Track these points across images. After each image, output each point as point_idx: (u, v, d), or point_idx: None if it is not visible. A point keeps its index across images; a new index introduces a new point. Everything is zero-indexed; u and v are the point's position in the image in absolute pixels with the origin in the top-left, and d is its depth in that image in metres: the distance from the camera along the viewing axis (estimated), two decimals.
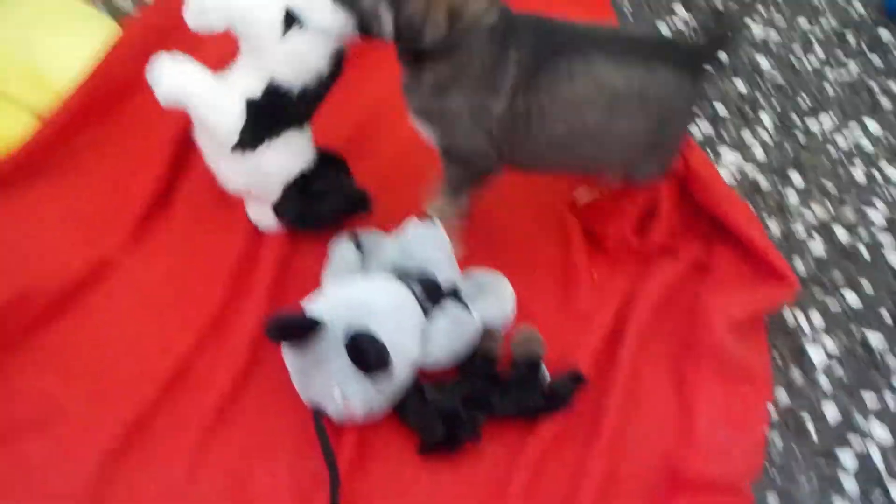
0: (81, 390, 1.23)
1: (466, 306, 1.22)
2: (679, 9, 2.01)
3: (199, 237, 1.43)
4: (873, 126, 1.80)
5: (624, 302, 1.39)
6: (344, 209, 1.40)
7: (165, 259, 1.40)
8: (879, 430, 1.33)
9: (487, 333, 1.25)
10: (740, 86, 1.86)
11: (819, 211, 1.62)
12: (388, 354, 1.09)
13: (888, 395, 1.37)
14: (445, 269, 1.25)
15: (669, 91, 1.29)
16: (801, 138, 1.77)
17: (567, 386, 1.23)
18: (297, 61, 1.25)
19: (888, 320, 1.46)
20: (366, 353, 1.07)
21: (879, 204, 1.65)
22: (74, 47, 1.56)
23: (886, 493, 1.26)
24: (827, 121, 1.80)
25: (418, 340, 1.17)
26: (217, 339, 1.29)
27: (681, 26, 1.97)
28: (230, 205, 1.44)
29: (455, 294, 1.24)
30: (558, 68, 1.23)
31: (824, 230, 1.59)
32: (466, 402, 1.18)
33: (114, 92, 1.55)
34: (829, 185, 1.67)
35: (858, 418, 1.34)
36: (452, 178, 1.35)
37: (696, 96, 1.40)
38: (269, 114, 1.27)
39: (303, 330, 1.09)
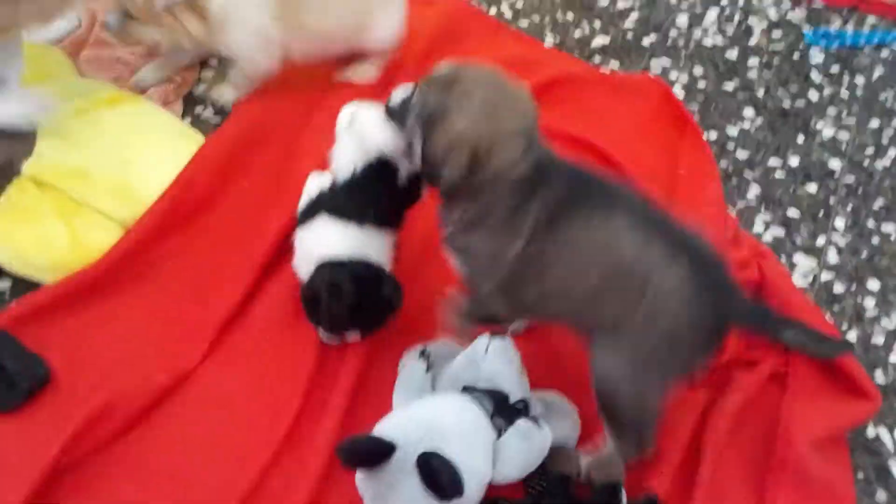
0: (160, 502, 1.26)
1: (537, 420, 1.22)
2: (749, 111, 2.03)
3: (277, 350, 1.47)
4: None
5: (702, 416, 1.37)
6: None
7: (244, 371, 1.44)
8: None
9: (565, 455, 1.24)
10: (812, 188, 1.85)
11: None
12: (461, 477, 1.08)
13: None
14: (515, 385, 1.26)
15: (673, 286, 1.16)
16: (877, 241, 1.75)
17: None
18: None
19: None
20: (438, 475, 1.06)
21: None
22: (164, 162, 1.64)
23: None
24: None
25: (490, 458, 1.17)
26: (293, 454, 1.31)
27: (747, 126, 1.99)
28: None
29: (525, 408, 1.24)
30: (577, 216, 1.20)
31: None
32: None
33: (196, 203, 1.62)
34: None
35: None
36: (466, 309, 1.36)
37: (699, 313, 1.16)
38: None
39: (375, 455, 1.09)
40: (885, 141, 1.97)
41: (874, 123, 2.02)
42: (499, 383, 1.24)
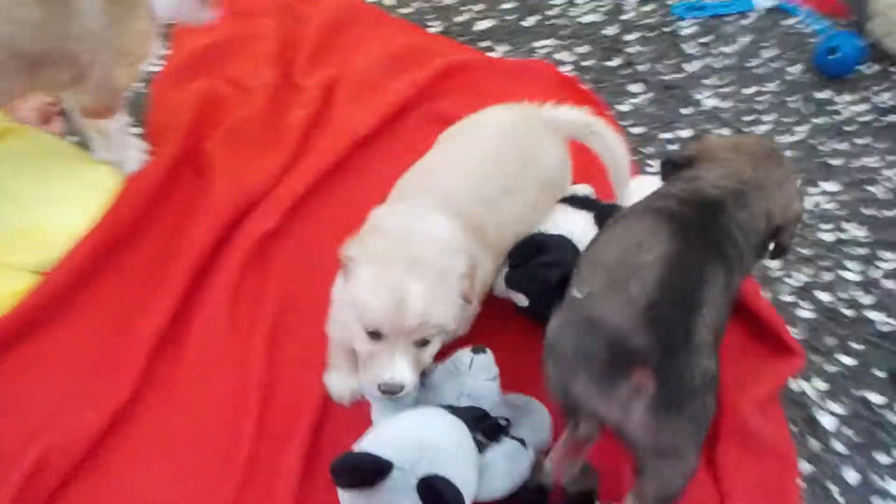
0: None
1: (522, 442, 1.22)
2: (635, 87, 2.12)
3: (214, 372, 1.42)
4: (831, 187, 1.92)
5: None
6: None
7: (182, 399, 1.38)
8: (895, 487, 1.41)
9: (538, 467, 1.23)
10: None
11: (801, 276, 1.71)
12: (463, 498, 1.08)
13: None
14: (497, 401, 1.27)
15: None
16: None
17: None
18: None
19: (881, 376, 1.56)
20: (442, 496, 1.06)
21: (850, 264, 1.76)
22: (77, 205, 1.54)
23: None
24: None
25: (476, 477, 1.18)
26: (258, 483, 1.28)
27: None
28: (244, 336, 1.45)
29: (507, 427, 1.24)
30: None
31: (808, 295, 1.68)
32: None
33: (117, 240, 1.54)
34: (805, 251, 1.77)
35: (875, 478, 1.42)
36: None
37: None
38: None
39: (374, 474, 1.08)
40: (759, 107, 2.11)
41: (748, 90, 2.15)
42: (482, 400, 1.25)
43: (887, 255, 1.77)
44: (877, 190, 1.92)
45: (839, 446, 1.45)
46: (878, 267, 1.74)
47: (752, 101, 2.12)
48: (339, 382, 1.38)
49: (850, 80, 2.20)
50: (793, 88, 2.17)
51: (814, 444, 1.44)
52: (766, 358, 1.50)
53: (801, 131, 2.05)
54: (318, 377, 1.40)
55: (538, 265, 1.40)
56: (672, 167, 1.36)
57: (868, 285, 1.71)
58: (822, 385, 1.53)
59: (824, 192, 1.90)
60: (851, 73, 2.21)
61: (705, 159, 1.32)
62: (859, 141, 2.04)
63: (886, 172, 1.96)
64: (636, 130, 1.99)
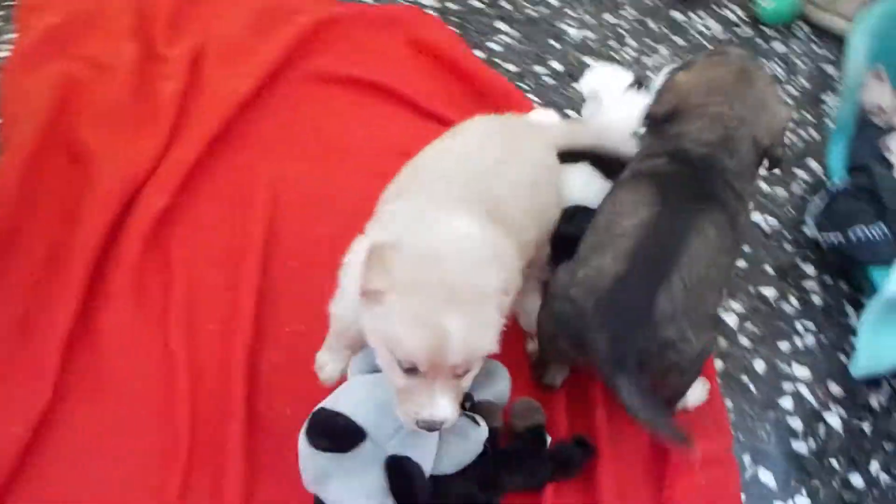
0: None
1: (474, 417, 1.20)
2: (502, 25, 2.14)
3: (133, 360, 1.36)
4: None
5: None
6: None
7: (109, 395, 1.33)
8: (797, 370, 1.52)
9: (488, 409, 1.23)
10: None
11: None
12: (426, 482, 1.08)
13: (795, 338, 1.56)
14: None
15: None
16: None
17: (574, 452, 1.28)
18: None
19: (771, 272, 1.67)
20: (409, 479, 1.05)
21: None
22: None
23: (825, 422, 1.45)
24: None
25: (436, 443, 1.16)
26: (202, 464, 1.24)
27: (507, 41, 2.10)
28: (157, 320, 1.40)
29: (470, 398, 1.23)
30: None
31: None
32: (480, 485, 1.19)
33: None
34: None
35: (780, 364, 1.52)
36: None
37: None
38: None
39: (349, 443, 1.05)
40: (622, 32, 2.17)
41: (609, 19, 2.21)
42: None
43: None
44: None
45: (744, 341, 1.54)
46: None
47: (615, 28, 2.18)
48: (330, 364, 1.32)
49: None
50: (650, 11, 2.25)
51: (721, 342, 1.53)
52: None
53: (663, 53, 2.13)
54: (242, 349, 1.36)
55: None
56: (653, 122, 1.35)
57: None
58: None
59: None
60: None
61: (684, 110, 1.30)
62: None
63: None
64: (511, 67, 2.02)
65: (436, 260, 1.01)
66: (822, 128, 2.00)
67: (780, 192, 1.82)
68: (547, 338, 1.29)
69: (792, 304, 1.61)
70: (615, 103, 1.60)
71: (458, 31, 2.08)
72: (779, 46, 2.21)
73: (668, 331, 1.12)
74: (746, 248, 1.69)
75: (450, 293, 0.99)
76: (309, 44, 1.92)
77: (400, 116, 1.84)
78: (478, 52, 2.03)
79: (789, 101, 2.05)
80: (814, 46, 2.24)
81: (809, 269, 1.68)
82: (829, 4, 2.24)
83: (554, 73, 2.02)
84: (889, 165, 1.74)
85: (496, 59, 2.03)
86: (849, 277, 1.66)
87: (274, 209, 1.60)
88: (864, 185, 1.63)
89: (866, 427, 1.44)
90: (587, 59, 2.07)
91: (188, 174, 1.62)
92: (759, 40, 2.21)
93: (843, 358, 1.52)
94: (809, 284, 1.65)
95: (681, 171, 1.25)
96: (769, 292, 1.63)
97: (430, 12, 2.13)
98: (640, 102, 1.45)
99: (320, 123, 1.79)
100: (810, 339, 1.55)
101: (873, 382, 1.47)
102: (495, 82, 1.94)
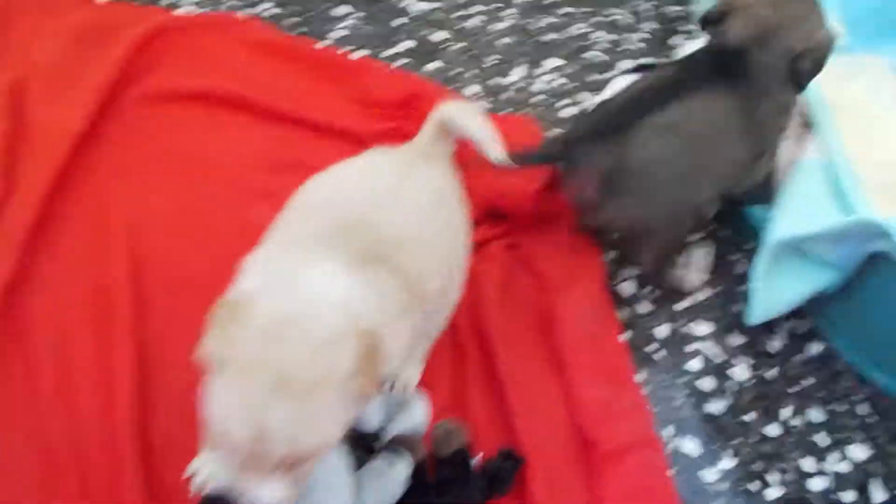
0: None
1: (393, 456, 1.15)
2: (342, 9, 2.03)
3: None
4: (554, 63, 1.97)
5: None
6: None
7: None
8: (697, 328, 1.53)
9: (409, 443, 1.18)
10: (436, 64, 1.93)
11: None
12: None
13: (688, 297, 1.58)
14: (378, 409, 1.21)
15: None
16: (507, 95, 1.90)
17: (503, 466, 1.25)
18: None
19: None
20: None
21: None
22: None
23: (730, 377, 1.47)
24: (520, 71, 1.95)
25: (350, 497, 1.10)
26: None
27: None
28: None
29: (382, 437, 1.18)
30: None
31: None
32: None
33: None
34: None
35: (682, 326, 1.53)
36: None
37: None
38: None
39: None
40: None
41: None
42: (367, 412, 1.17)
43: None
44: (592, 55, 2.00)
45: (644, 307, 1.54)
46: None
47: None
48: (209, 468, 1.17)
49: None
50: None
51: (624, 313, 1.52)
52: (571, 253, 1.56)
53: (509, 16, 2.08)
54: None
55: None
56: (707, 24, 1.42)
57: None
58: (611, 254, 1.61)
59: (550, 71, 1.95)
60: None
61: (733, 11, 1.38)
62: (561, 11, 2.11)
63: (594, 36, 2.05)
64: (359, 54, 1.92)
65: (278, 334, 0.89)
66: None
67: None
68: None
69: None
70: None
71: (299, 23, 1.96)
72: None
73: (638, 155, 1.34)
74: None
75: (282, 380, 0.87)
76: (142, 60, 1.77)
77: (259, 124, 1.72)
78: (320, 43, 1.93)
79: (639, 45, 2.04)
80: None
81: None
82: None
83: (408, 53, 1.94)
84: None
85: (344, 48, 1.93)
86: (729, 223, 1.67)
87: (139, 247, 1.48)
88: None
89: (772, 374, 1.46)
90: (435, 34, 1.99)
91: (31, 232, 1.47)
92: None
93: (736, 308, 1.54)
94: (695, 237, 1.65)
95: (710, 53, 1.40)
96: None
97: (266, 6, 2.01)
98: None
99: (173, 144, 1.66)
100: (705, 293, 1.56)
101: (769, 326, 1.50)
102: (348, 66, 1.85)
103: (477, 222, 1.54)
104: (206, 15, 1.96)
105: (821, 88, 1.51)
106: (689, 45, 1.95)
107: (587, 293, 1.50)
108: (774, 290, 1.43)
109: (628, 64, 1.96)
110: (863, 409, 1.43)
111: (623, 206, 1.39)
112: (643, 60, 1.71)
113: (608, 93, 1.59)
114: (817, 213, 1.40)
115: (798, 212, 1.42)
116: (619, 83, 1.62)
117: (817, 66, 1.39)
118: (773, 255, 1.40)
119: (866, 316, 1.43)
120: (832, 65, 1.41)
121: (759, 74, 1.37)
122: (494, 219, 1.58)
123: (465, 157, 1.40)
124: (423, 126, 1.31)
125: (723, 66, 1.37)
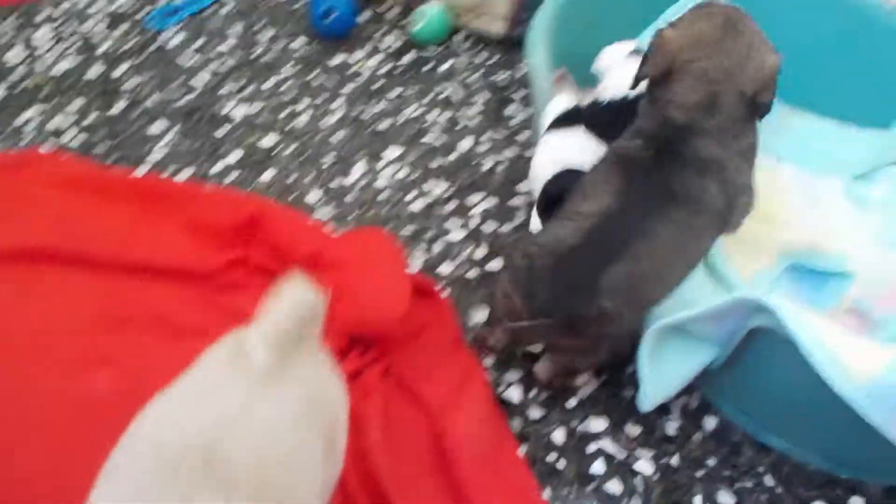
0: None
1: None
2: (158, 126, 1.86)
3: None
4: (394, 153, 1.88)
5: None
6: None
7: None
8: (593, 424, 1.46)
9: None
10: (272, 174, 1.80)
11: (415, 262, 1.67)
12: None
13: (579, 390, 1.51)
14: None
15: None
16: (352, 197, 1.78)
17: None
18: None
19: None
20: None
21: (449, 223, 1.76)
22: None
23: (637, 472, 1.41)
24: (360, 167, 1.84)
25: None
26: None
27: None
28: None
29: None
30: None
31: (430, 274, 1.65)
32: None
33: None
34: (406, 231, 1.72)
35: (577, 428, 1.46)
36: None
37: None
38: None
39: None
40: (287, 97, 1.98)
41: (267, 83, 2.01)
42: None
43: (474, 198, 1.80)
44: (432, 138, 1.92)
45: (535, 412, 1.46)
46: (472, 216, 1.76)
47: (278, 94, 1.99)
48: None
49: (353, 36, 2.17)
50: (307, 65, 2.07)
51: (516, 422, 1.44)
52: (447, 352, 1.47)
53: (339, 107, 1.97)
54: None
55: None
56: (650, 86, 1.33)
57: (474, 237, 1.72)
58: (489, 362, 1.52)
59: (392, 162, 1.86)
60: (353, 28, 2.17)
61: (675, 70, 1.27)
62: (392, 95, 2.02)
63: (429, 117, 1.98)
64: (184, 174, 1.76)
65: None
66: (514, 142, 1.96)
67: (504, 228, 1.75)
68: (501, 293, 1.34)
69: None
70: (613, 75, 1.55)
71: (111, 145, 1.78)
72: (447, 66, 2.14)
73: (606, 303, 1.24)
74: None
75: None
76: None
77: (82, 277, 1.51)
78: (144, 168, 1.76)
79: (475, 119, 1.98)
80: (479, 57, 2.20)
81: None
82: (483, 8, 2.19)
83: (233, 168, 1.79)
84: None
85: (164, 171, 1.76)
86: None
87: None
88: None
89: (676, 461, 1.41)
90: (263, 140, 1.86)
91: None
92: (425, 67, 2.12)
93: (626, 393, 1.49)
94: None
95: (651, 160, 1.28)
96: (536, 347, 1.55)
97: (71, 135, 1.82)
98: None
99: None
100: (592, 386, 1.50)
101: (662, 408, 1.45)
102: (174, 192, 1.69)
103: (344, 352, 1.43)
104: (4, 155, 1.74)
105: None
106: (523, 113, 1.93)
107: (475, 410, 1.40)
108: (663, 372, 1.38)
109: (468, 144, 1.91)
110: (768, 480, 1.40)
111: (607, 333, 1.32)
112: (566, 108, 1.56)
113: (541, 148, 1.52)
114: (696, 292, 1.38)
115: (679, 293, 1.39)
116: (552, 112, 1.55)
117: (774, 92, 1.30)
118: (657, 339, 1.35)
119: (753, 385, 1.41)
120: None
121: (712, 148, 1.27)
122: (364, 344, 1.45)
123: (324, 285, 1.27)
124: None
125: (662, 174, 1.27)
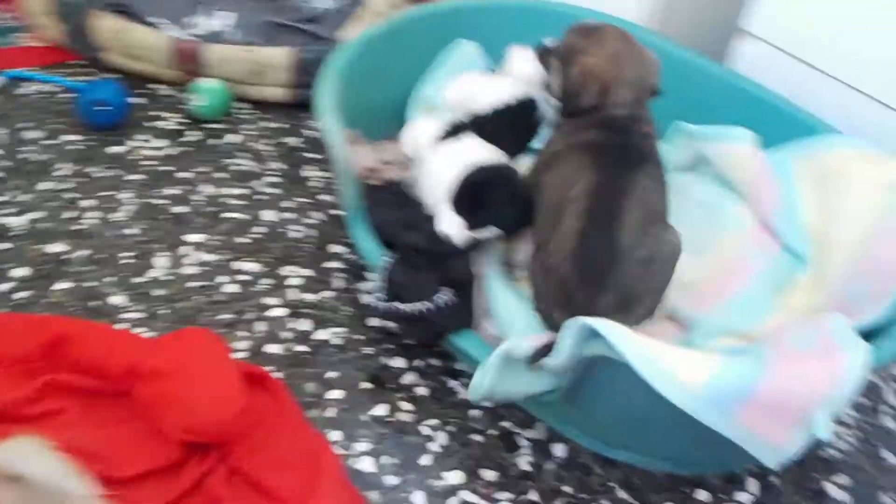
0: None
1: None
2: None
3: None
4: (197, 238, 1.81)
5: None
6: None
7: None
8: (448, 477, 1.45)
9: None
10: (67, 285, 1.67)
11: (239, 344, 1.61)
12: None
13: (428, 444, 1.49)
14: None
15: None
16: (158, 293, 1.69)
17: None
18: None
19: (370, 386, 1.57)
20: None
21: (269, 300, 1.71)
22: None
23: None
24: (162, 260, 1.75)
25: None
26: None
27: None
28: None
29: None
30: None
31: (259, 351, 1.60)
32: None
33: None
34: (228, 315, 1.66)
35: (435, 487, 1.45)
36: None
37: None
38: None
39: None
40: (67, 195, 1.86)
41: (45, 186, 1.88)
42: None
43: (287, 269, 1.76)
44: (232, 215, 1.87)
45: (389, 480, 1.43)
46: (289, 287, 1.72)
47: (58, 195, 1.86)
48: None
49: (129, 122, 2.08)
50: (83, 158, 1.96)
51: (373, 495, 1.40)
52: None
53: (127, 198, 1.87)
54: None
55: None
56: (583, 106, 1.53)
57: (295, 309, 1.68)
58: (337, 435, 1.49)
59: (194, 249, 1.78)
60: (126, 114, 2.07)
61: (609, 85, 1.51)
62: (182, 176, 1.95)
63: (225, 193, 1.92)
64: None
65: None
66: (318, 203, 1.93)
67: (324, 294, 1.72)
68: (543, 315, 1.46)
69: (405, 409, 1.54)
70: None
71: None
72: (233, 138, 2.09)
73: (634, 257, 1.40)
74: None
75: None
76: None
77: None
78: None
79: (275, 189, 1.95)
80: (263, 123, 2.16)
81: (399, 363, 1.62)
82: (261, 78, 2.16)
83: (24, 281, 1.65)
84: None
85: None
86: (436, 352, 1.63)
87: None
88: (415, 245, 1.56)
89: (536, 499, 1.43)
90: (52, 245, 1.73)
91: None
92: (211, 140, 2.06)
93: (478, 438, 1.50)
94: (409, 378, 1.59)
95: (611, 140, 1.49)
96: (380, 410, 1.53)
97: None
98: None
99: None
100: (442, 437, 1.50)
101: (510, 448, 1.48)
102: None
103: (181, 463, 1.35)
104: None
105: None
106: (322, 174, 1.91)
107: (331, 491, 1.36)
108: (506, 378, 1.38)
109: (272, 215, 1.87)
110: (621, 493, 1.45)
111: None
112: (451, 122, 1.65)
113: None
114: (522, 321, 1.43)
115: (510, 325, 1.42)
116: (425, 133, 1.67)
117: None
118: (498, 368, 1.36)
119: (597, 411, 1.44)
120: None
121: (646, 127, 1.54)
122: (202, 450, 1.37)
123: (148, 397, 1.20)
124: None
125: (623, 148, 1.48)
